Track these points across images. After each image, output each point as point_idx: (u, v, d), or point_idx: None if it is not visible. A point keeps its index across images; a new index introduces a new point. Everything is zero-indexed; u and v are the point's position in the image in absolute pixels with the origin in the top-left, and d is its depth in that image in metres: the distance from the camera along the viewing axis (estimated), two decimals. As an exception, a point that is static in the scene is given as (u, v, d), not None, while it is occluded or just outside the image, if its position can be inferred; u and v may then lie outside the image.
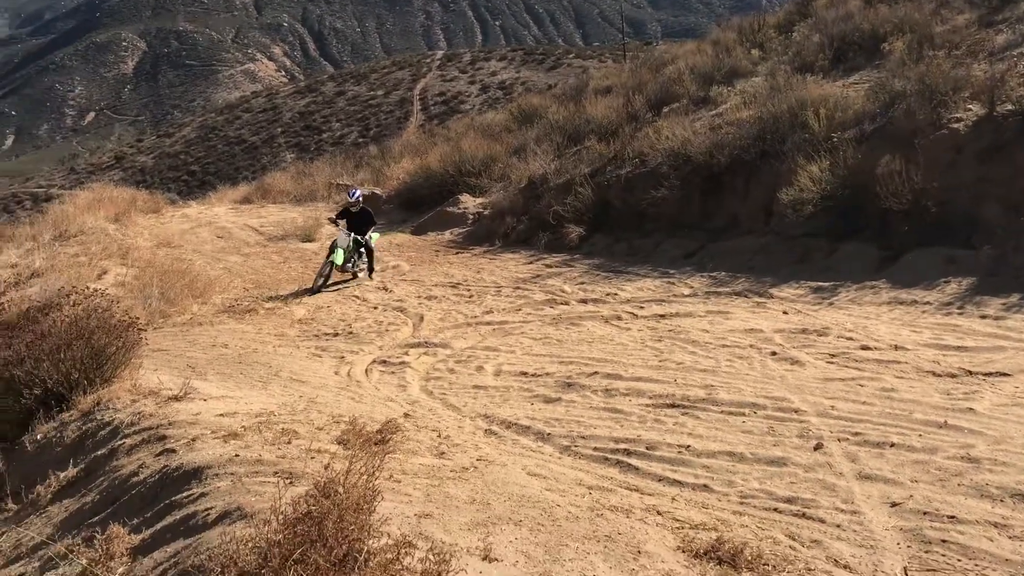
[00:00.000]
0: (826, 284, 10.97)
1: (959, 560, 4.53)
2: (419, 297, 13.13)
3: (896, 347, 8.33)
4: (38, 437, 6.82)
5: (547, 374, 8.58)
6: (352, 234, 14.47)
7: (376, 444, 5.56)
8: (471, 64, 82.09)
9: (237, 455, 5.10)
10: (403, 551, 3.38)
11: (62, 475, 6.08)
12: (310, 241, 18.37)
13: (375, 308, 12.67)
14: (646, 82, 20.77)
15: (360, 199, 15.37)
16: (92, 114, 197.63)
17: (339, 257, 14.18)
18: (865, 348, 8.39)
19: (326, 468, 3.70)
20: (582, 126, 19.48)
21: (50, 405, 7.11)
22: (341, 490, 3.33)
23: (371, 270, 14.79)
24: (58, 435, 6.73)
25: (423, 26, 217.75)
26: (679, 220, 14.63)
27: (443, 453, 5.84)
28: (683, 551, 4.48)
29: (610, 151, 16.99)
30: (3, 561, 5.41)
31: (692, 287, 11.87)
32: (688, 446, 6.36)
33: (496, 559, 3.88)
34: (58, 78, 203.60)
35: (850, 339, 8.75)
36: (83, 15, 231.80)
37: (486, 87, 74.09)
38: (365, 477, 3.52)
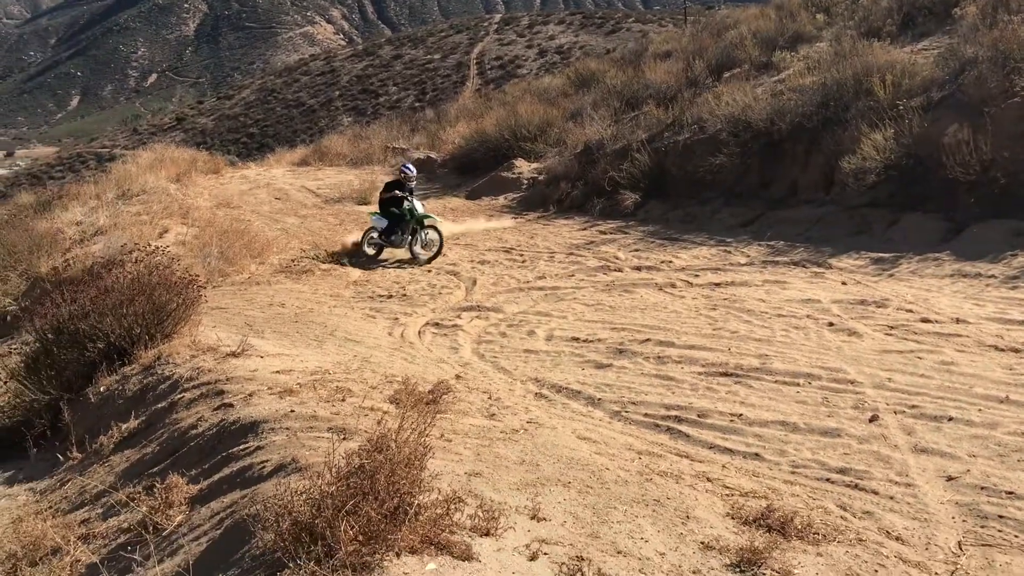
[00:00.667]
0: (887, 255, 10.74)
1: (1016, 536, 4.45)
2: (472, 261, 13.16)
3: (958, 320, 8.14)
4: (101, 389, 7.02)
5: (599, 340, 8.56)
6: (415, 201, 13.94)
7: (428, 404, 5.62)
8: (529, 28, 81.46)
9: (292, 411, 5.19)
10: (453, 506, 3.42)
11: (124, 426, 6.26)
12: (366, 204, 18.46)
13: (428, 271, 12.75)
14: (707, 47, 20.42)
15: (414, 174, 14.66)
16: (154, 75, 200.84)
17: (419, 208, 13.66)
18: (925, 321, 8.22)
19: (379, 424, 3.75)
20: (640, 91, 19.25)
21: (113, 358, 7.30)
22: (393, 445, 3.37)
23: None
24: (120, 387, 6.92)
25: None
26: (737, 188, 14.41)
27: (493, 415, 5.88)
28: (732, 518, 4.46)
29: (668, 117, 16.77)
30: (69, 507, 5.61)
31: (749, 256, 11.72)
32: (740, 415, 6.31)
33: (544, 518, 3.91)
34: (122, 40, 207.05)
35: (910, 311, 8.58)
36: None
37: (544, 51, 73.53)
38: (416, 434, 3.56)
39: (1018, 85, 11.52)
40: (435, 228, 13.65)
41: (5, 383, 7.94)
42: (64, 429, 6.87)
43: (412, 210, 13.63)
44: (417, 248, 13.59)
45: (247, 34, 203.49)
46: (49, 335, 7.82)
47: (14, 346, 10.19)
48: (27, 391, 7.36)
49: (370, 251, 13.97)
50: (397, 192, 13.93)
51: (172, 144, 37.58)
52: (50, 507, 5.57)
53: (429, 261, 13.34)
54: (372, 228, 14.07)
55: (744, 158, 14.39)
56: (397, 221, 13.73)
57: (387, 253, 13.95)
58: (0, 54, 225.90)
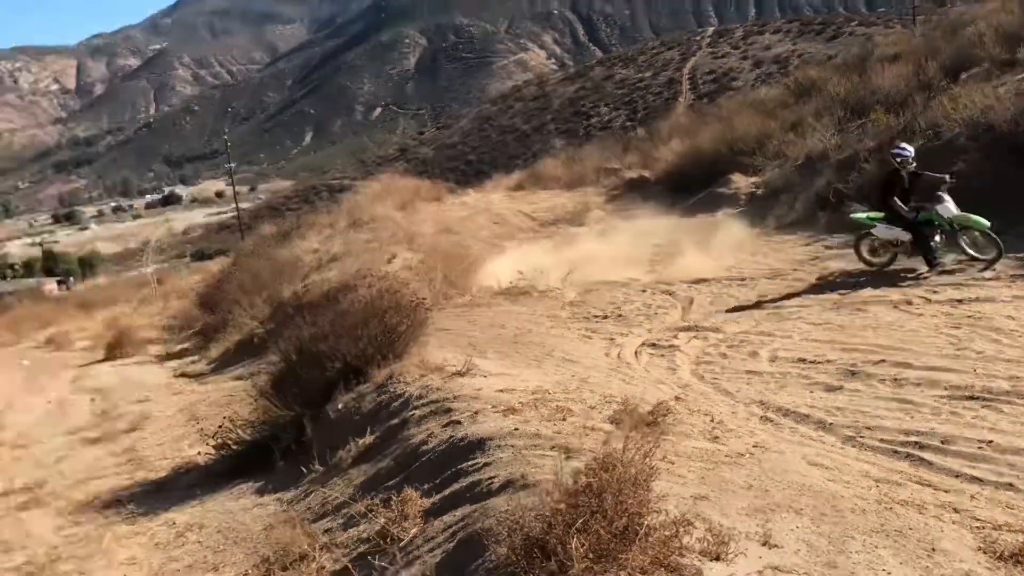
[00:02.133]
0: None
1: None
2: (688, 280, 12.96)
3: None
4: (339, 406, 7.50)
5: (828, 361, 8.17)
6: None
7: (648, 425, 5.57)
8: (743, 39, 79.77)
9: (516, 429, 5.31)
10: (682, 529, 3.37)
11: (360, 442, 6.65)
12: (580, 226, 18.66)
13: (643, 291, 12.67)
14: (939, 47, 19.13)
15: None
16: (378, 109, 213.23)
17: (953, 207, 11.14)
18: None
19: (604, 444, 3.77)
20: (866, 98, 18.27)
21: (349, 377, 7.78)
22: (619, 465, 3.37)
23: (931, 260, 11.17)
24: (356, 405, 7.36)
25: (693, 4, 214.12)
26: (979, 196, 13.34)
27: (716, 438, 5.74)
28: (984, 552, 4.12)
29: (898, 123, 15.82)
30: (312, 516, 6.01)
31: (995, 269, 10.80)
32: (990, 441, 5.81)
33: (776, 545, 3.77)
34: (349, 77, 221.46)
35: None
36: (370, 17, 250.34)
37: (759, 62, 71.73)
38: (642, 455, 3.54)
39: None
40: (983, 232, 10.85)
41: (255, 400, 8.63)
42: (307, 443, 7.39)
43: (941, 215, 11.20)
44: (969, 262, 11.04)
45: (464, 64, 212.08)
46: (292, 356, 8.44)
47: (262, 366, 11.09)
48: (274, 408, 7.97)
49: (880, 260, 11.82)
50: (896, 197, 11.35)
51: (396, 174, 39.64)
52: (297, 516, 5.98)
53: (988, 268, 10.68)
54: (867, 234, 11.93)
55: (987, 164, 13.30)
56: (923, 228, 11.31)
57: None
58: (244, 97, 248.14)
